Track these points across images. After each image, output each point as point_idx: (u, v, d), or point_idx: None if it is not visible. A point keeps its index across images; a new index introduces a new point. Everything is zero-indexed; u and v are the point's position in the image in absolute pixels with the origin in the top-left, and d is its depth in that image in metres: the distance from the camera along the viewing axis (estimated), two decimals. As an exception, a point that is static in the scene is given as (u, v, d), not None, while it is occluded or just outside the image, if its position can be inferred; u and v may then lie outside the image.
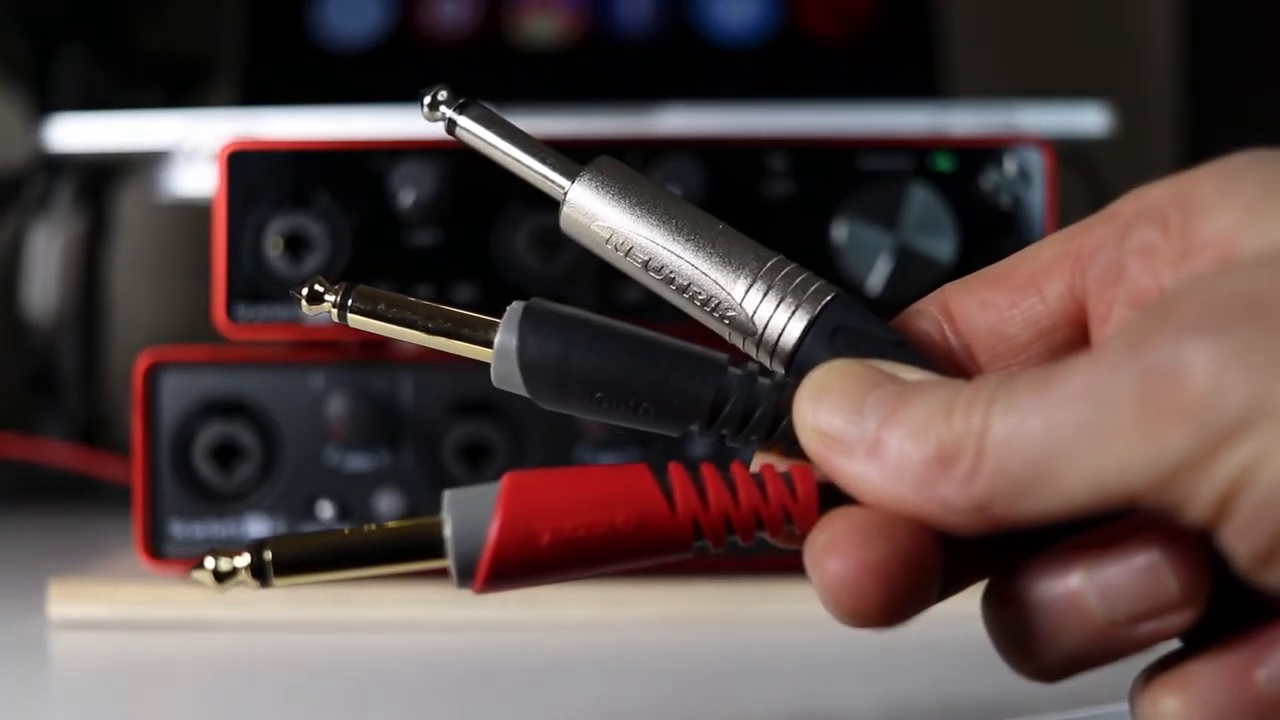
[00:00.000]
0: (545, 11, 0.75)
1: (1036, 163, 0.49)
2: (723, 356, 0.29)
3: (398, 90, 0.73)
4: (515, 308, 0.29)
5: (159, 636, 0.47)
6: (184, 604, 0.48)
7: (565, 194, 0.31)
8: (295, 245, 0.49)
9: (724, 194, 0.49)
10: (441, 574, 0.50)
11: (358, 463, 0.49)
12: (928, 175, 0.49)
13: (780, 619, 0.48)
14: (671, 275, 0.30)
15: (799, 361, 0.29)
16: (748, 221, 0.49)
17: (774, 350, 0.30)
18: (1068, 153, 0.50)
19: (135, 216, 0.99)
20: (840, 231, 0.48)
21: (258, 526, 0.49)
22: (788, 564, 0.50)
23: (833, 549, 0.26)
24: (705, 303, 0.30)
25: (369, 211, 0.49)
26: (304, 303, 0.30)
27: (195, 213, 1.05)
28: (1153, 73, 1.01)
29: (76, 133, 0.66)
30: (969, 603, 0.49)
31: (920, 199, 0.48)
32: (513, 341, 0.29)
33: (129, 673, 0.44)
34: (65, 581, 0.48)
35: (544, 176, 0.31)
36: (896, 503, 0.26)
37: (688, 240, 0.30)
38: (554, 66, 0.74)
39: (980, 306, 0.31)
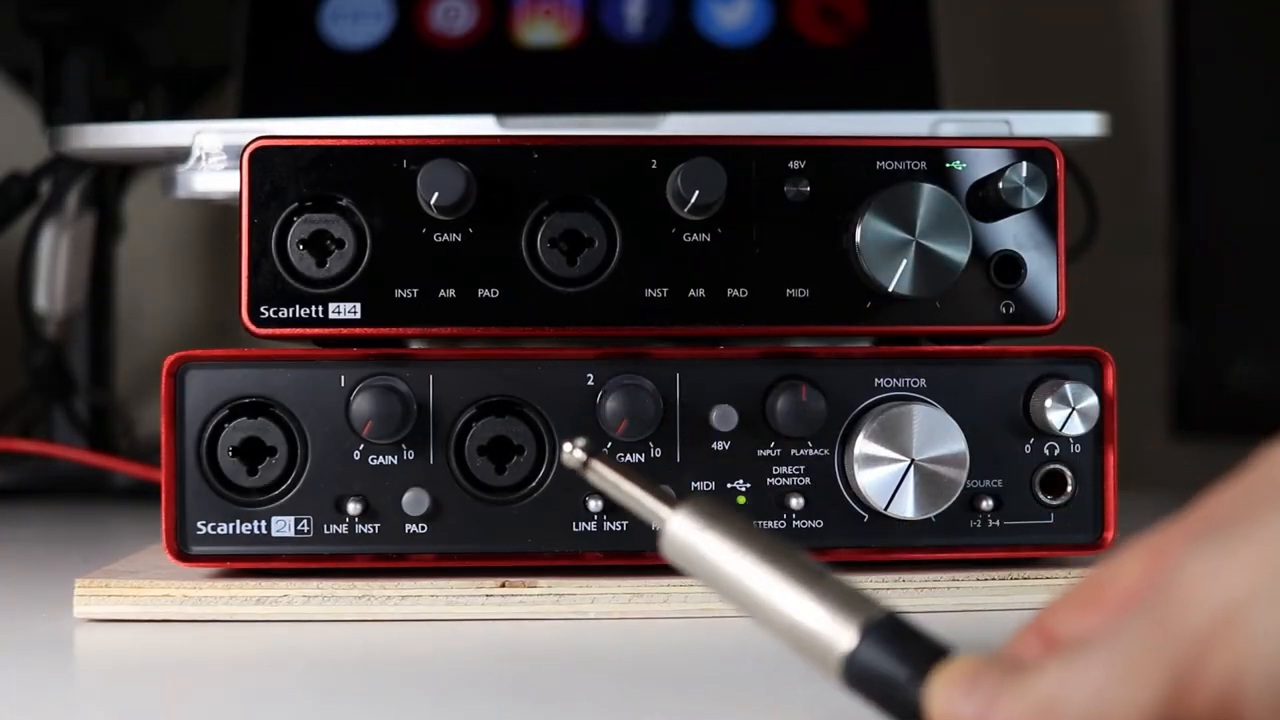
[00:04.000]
0: (546, 14, 0.76)
1: (1048, 165, 0.50)
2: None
3: (401, 92, 0.74)
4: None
5: (184, 634, 0.47)
6: (210, 602, 0.48)
7: (663, 525, 0.36)
8: (318, 245, 0.50)
9: (741, 196, 0.50)
10: (467, 572, 0.50)
11: (382, 460, 0.49)
12: (941, 177, 0.50)
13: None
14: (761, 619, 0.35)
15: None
16: (765, 224, 0.50)
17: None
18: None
19: (145, 218, 1.00)
20: (857, 233, 0.49)
21: (283, 525, 0.49)
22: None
23: None
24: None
25: (393, 210, 0.49)
26: None
27: (204, 214, 1.05)
28: (1146, 77, 1.02)
29: (86, 137, 0.67)
30: (988, 600, 0.49)
31: (934, 200, 0.49)
32: None
33: (155, 670, 0.44)
34: (90, 580, 0.49)
35: (646, 507, 0.37)
36: None
37: (763, 604, 0.34)
38: (555, 68, 0.75)
39: (1079, 625, 0.33)
